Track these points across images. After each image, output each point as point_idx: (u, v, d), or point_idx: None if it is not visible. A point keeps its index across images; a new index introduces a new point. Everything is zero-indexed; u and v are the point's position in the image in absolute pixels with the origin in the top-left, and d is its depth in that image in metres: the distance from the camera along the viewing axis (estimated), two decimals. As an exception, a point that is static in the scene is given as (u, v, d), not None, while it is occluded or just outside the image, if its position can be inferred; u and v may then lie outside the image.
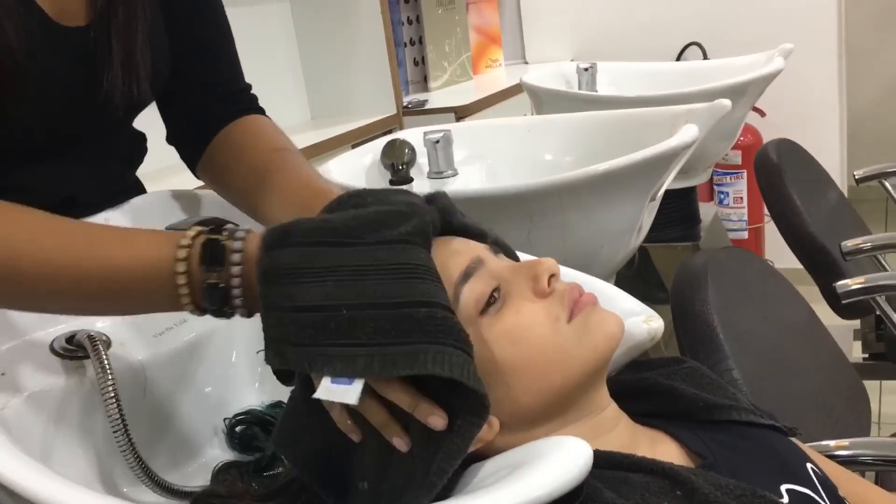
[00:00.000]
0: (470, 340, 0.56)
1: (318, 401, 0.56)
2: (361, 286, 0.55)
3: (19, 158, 0.79)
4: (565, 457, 0.51)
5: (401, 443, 0.57)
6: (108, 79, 0.79)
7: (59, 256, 0.63)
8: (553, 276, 0.62)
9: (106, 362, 0.74)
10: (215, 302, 0.61)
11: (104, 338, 0.77)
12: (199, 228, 0.63)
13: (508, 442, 0.60)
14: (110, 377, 0.73)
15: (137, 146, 0.95)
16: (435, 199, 0.65)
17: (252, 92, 0.97)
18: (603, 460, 0.57)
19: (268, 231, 0.59)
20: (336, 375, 0.54)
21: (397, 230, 0.57)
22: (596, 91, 2.06)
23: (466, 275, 0.61)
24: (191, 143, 0.94)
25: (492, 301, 0.60)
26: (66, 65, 0.78)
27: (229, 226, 0.64)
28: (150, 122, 0.94)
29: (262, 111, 0.96)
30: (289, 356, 0.56)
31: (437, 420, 0.55)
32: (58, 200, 0.83)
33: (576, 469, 0.50)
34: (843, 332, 1.80)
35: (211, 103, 0.92)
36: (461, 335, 0.55)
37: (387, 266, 0.55)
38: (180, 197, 0.97)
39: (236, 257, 0.61)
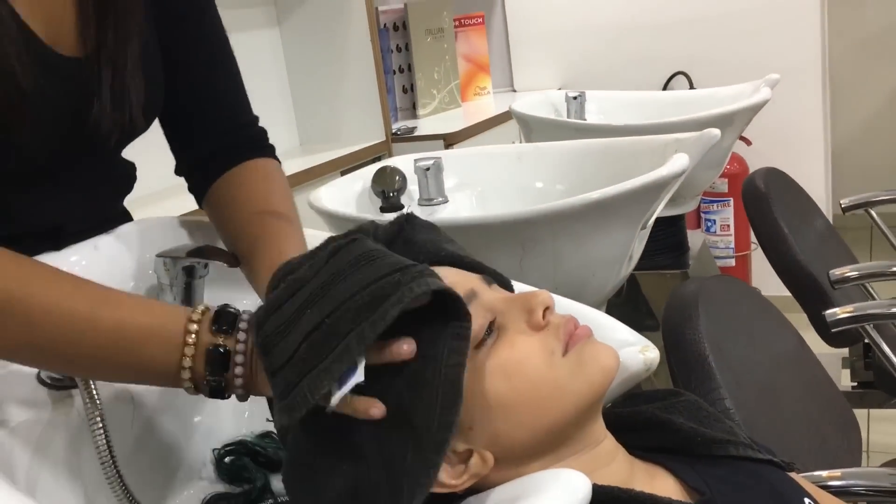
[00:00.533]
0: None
1: (326, 446, 0.57)
2: (333, 294, 0.56)
3: (10, 185, 0.78)
4: (564, 491, 0.50)
5: (377, 411, 0.56)
6: (98, 107, 0.79)
7: (72, 301, 0.65)
8: (548, 308, 0.62)
9: (94, 392, 0.72)
10: (216, 367, 0.64)
11: (92, 367, 0.75)
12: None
13: (504, 476, 0.59)
14: (98, 407, 0.72)
15: (127, 175, 0.94)
16: (421, 227, 0.66)
17: (260, 125, 0.95)
18: (601, 494, 0.56)
19: (253, 315, 0.62)
20: (340, 376, 0.54)
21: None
22: (585, 119, 2.07)
23: None
24: (194, 181, 0.94)
25: (487, 334, 0.60)
26: (61, 92, 0.78)
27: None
28: (138, 147, 0.93)
29: (269, 149, 0.94)
30: (298, 400, 0.55)
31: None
32: (45, 228, 0.82)
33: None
34: (832, 361, 1.81)
35: (215, 139, 0.91)
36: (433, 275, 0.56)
37: (346, 267, 0.57)
38: (167, 224, 0.96)
39: (244, 325, 0.64)
